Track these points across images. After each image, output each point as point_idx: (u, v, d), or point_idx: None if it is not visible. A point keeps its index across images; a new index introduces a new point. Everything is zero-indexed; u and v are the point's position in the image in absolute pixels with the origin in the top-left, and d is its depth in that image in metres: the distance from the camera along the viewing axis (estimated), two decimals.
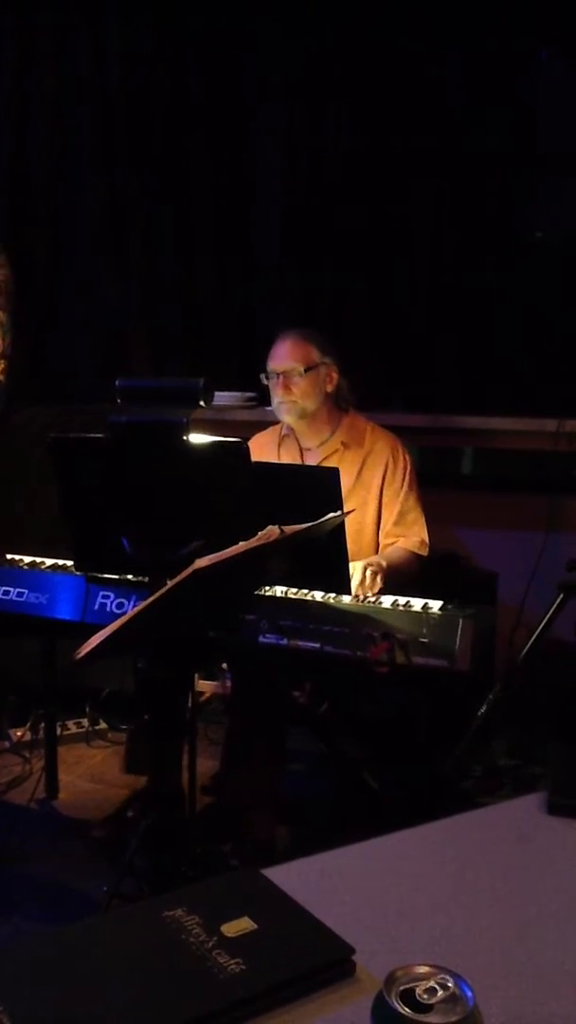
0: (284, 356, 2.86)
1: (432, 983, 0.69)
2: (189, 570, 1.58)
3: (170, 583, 1.65)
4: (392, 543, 2.86)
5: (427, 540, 2.86)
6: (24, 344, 3.53)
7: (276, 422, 3.22)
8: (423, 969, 0.71)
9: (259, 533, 1.71)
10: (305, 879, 1.10)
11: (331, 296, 4.07)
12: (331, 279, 4.08)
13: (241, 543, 1.71)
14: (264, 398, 3.85)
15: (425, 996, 0.68)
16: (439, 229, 3.91)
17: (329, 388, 2.89)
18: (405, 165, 3.89)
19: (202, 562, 1.60)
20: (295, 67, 3.99)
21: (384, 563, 2.59)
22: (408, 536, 2.85)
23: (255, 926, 0.95)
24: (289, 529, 1.72)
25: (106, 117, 4.06)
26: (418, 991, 0.69)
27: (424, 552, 2.85)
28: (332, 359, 2.90)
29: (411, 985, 0.69)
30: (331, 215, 4.02)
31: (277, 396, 2.88)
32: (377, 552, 2.84)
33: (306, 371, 2.83)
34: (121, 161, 4.08)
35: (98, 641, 1.63)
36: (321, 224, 4.05)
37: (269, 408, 3.78)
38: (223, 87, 4.07)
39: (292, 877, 1.10)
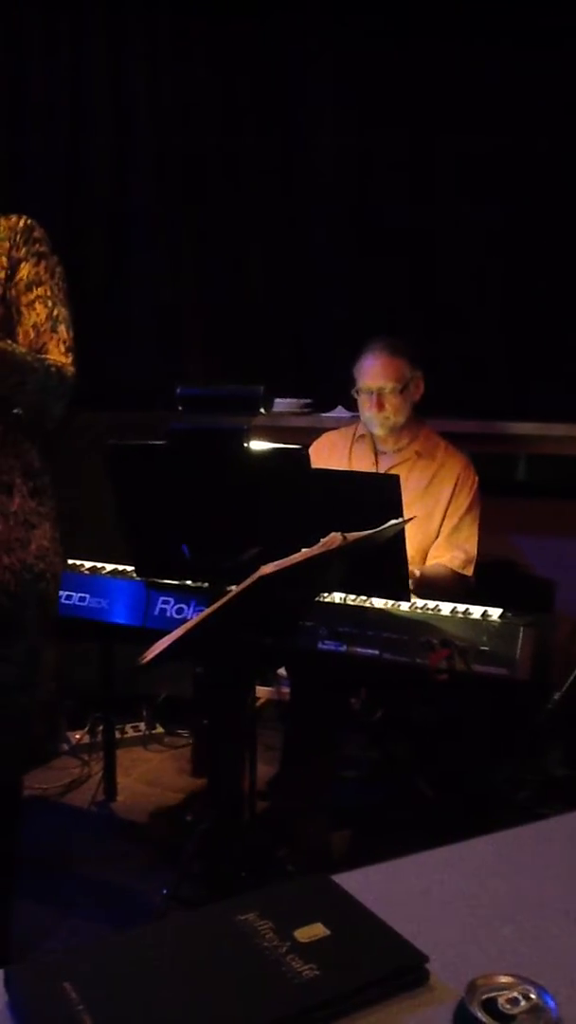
0: (379, 374, 2.85)
1: (515, 993, 0.69)
2: (255, 576, 1.60)
3: (236, 589, 1.66)
4: (437, 557, 2.85)
5: (474, 559, 2.85)
6: (77, 348, 3.61)
7: (331, 428, 3.23)
8: (504, 979, 0.71)
9: (322, 540, 1.72)
10: (374, 886, 1.10)
11: (382, 300, 4.07)
12: (382, 283, 4.07)
13: (304, 550, 1.71)
14: (320, 405, 3.87)
15: (508, 1006, 0.68)
16: (490, 233, 3.89)
17: (416, 398, 2.91)
18: (454, 165, 3.87)
19: (267, 568, 1.61)
20: (344, 67, 3.99)
21: (417, 572, 2.60)
22: (456, 554, 2.84)
23: (328, 932, 0.96)
24: (352, 536, 1.73)
25: (158, 121, 4.10)
26: (500, 1001, 0.69)
27: (467, 572, 2.83)
28: (419, 368, 2.90)
29: (493, 995, 0.69)
30: (382, 216, 4.02)
31: (369, 411, 2.87)
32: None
33: (402, 390, 2.84)
34: (173, 165, 4.12)
35: (164, 646, 1.65)
36: (372, 226, 4.05)
37: (325, 414, 3.80)
38: (273, 88, 4.10)
39: (362, 884, 1.10)
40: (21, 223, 1.94)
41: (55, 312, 1.93)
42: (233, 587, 2.34)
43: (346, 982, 0.89)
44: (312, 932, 0.96)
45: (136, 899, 2.61)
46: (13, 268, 1.90)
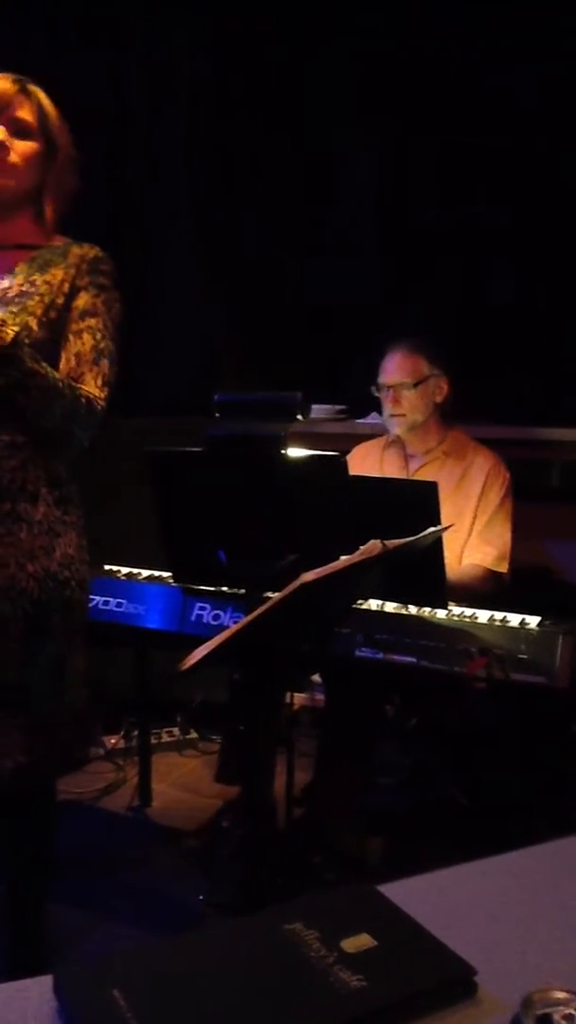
0: (394, 370, 2.87)
1: (571, 1009, 0.68)
2: (296, 584, 1.60)
3: (277, 596, 1.66)
4: (469, 555, 2.84)
5: (507, 554, 2.83)
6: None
7: (367, 435, 3.23)
8: (560, 994, 0.70)
9: (362, 547, 1.72)
10: (420, 896, 1.10)
11: (416, 305, 4.06)
12: (417, 288, 4.06)
13: (345, 557, 1.71)
14: (354, 411, 3.87)
15: (563, 1023, 0.67)
16: (526, 237, 3.87)
17: (439, 399, 2.90)
18: (489, 170, 3.86)
19: (308, 576, 1.61)
20: (381, 70, 3.99)
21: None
22: (488, 550, 2.82)
23: (375, 943, 0.95)
24: (391, 543, 1.73)
25: (194, 126, 4.13)
26: (556, 1017, 0.68)
27: (502, 568, 2.81)
28: (442, 370, 2.90)
29: (548, 1010, 0.69)
30: (419, 221, 4.02)
31: (387, 410, 2.89)
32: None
33: (415, 385, 2.83)
34: (209, 169, 4.15)
35: (204, 653, 1.65)
36: (407, 230, 4.05)
37: (360, 420, 3.81)
38: (310, 93, 4.11)
39: (407, 894, 1.10)
40: (91, 253, 1.98)
41: (101, 345, 1.94)
42: (270, 594, 2.36)
43: (394, 993, 0.88)
44: (359, 942, 0.95)
45: (171, 904, 2.61)
46: (72, 295, 1.92)
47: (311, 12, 4.02)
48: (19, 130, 1.94)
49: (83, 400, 1.89)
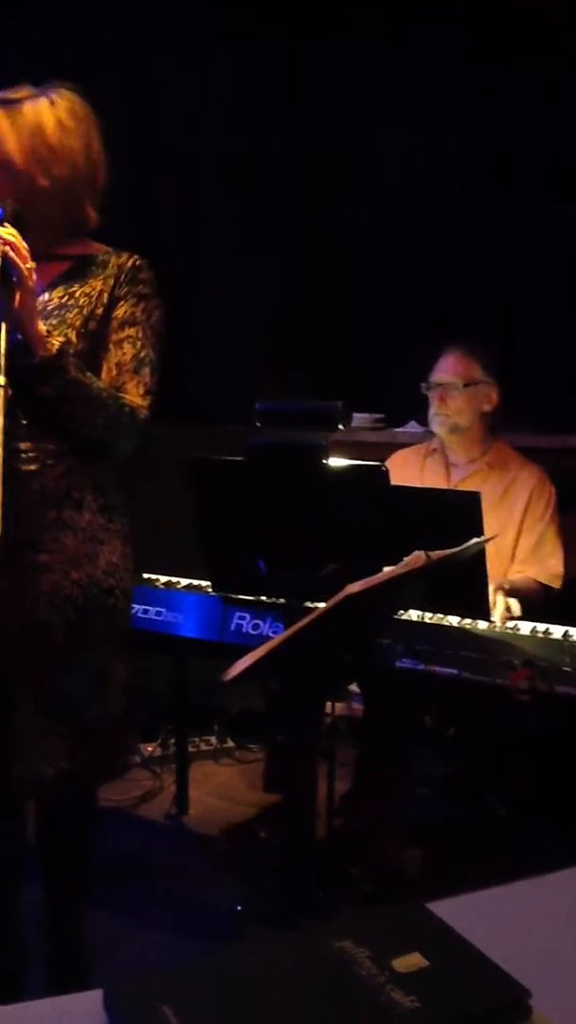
0: (446, 369, 2.85)
1: None
2: (341, 595, 1.59)
3: (322, 607, 1.65)
4: (522, 571, 2.81)
5: (561, 573, 2.80)
6: None
7: (405, 444, 3.21)
8: None
9: (406, 559, 1.71)
10: (470, 914, 1.08)
11: (456, 312, 4.04)
12: (454, 298, 4.04)
13: (389, 568, 1.70)
14: (393, 419, 3.86)
15: None
16: (566, 242, 3.85)
17: (487, 408, 2.87)
18: (538, 169, 3.84)
19: (354, 587, 1.60)
20: (413, 80, 3.99)
21: (507, 585, 2.57)
22: (542, 568, 2.80)
23: (427, 963, 0.94)
24: (436, 554, 1.71)
25: (233, 133, 4.14)
26: None
27: (556, 585, 2.79)
28: (494, 379, 2.88)
29: None
30: (452, 230, 4.00)
31: (433, 407, 2.87)
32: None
33: (465, 387, 2.82)
34: (248, 177, 4.15)
35: (248, 663, 1.65)
36: (446, 236, 4.03)
37: (399, 429, 3.79)
38: (342, 107, 4.11)
39: (457, 912, 1.08)
40: (130, 263, 1.96)
41: (142, 354, 1.93)
42: (309, 603, 2.35)
43: (449, 1015, 0.87)
44: (411, 962, 0.94)
45: (209, 913, 2.60)
46: (111, 305, 1.91)
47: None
48: None
49: (126, 410, 1.89)
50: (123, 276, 1.94)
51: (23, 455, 1.84)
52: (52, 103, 1.89)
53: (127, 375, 1.91)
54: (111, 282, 1.93)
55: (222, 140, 4.15)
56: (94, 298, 1.91)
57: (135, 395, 1.92)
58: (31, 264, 1.79)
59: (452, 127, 3.96)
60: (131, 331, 1.92)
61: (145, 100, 4.09)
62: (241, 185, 4.16)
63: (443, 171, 4.00)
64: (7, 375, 1.64)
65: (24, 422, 1.83)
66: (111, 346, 1.91)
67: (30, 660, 1.87)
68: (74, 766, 1.91)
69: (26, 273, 1.73)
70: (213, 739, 3.67)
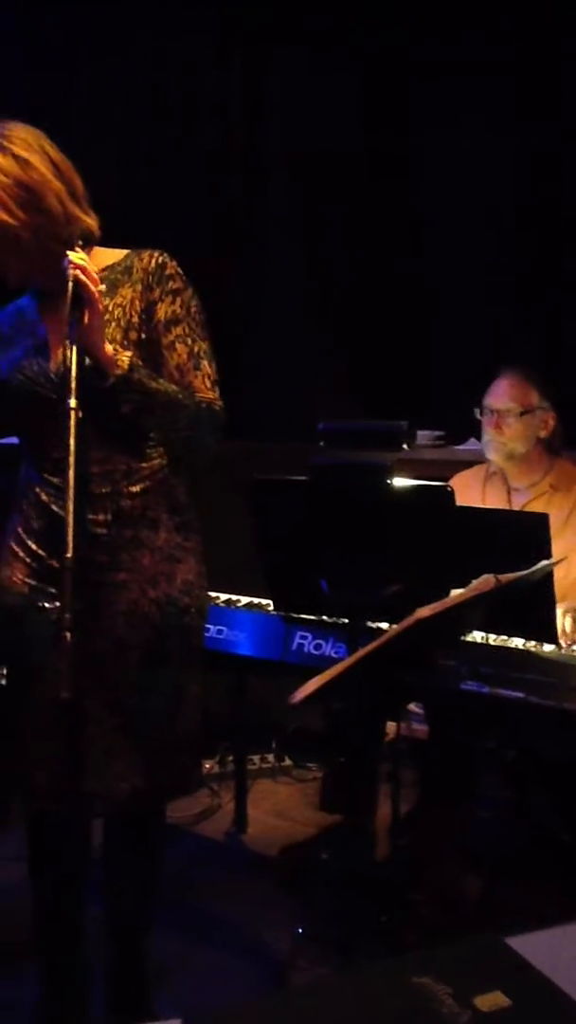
0: (502, 394, 2.81)
1: None
2: (411, 619, 1.57)
3: (392, 631, 1.64)
4: None
5: None
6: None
7: (466, 462, 3.18)
8: None
9: (474, 582, 1.69)
10: (549, 950, 1.06)
11: (516, 328, 4.01)
12: (514, 313, 4.01)
13: (457, 591, 1.68)
14: (453, 437, 3.83)
15: None
16: None
17: (543, 433, 2.82)
18: None
19: (424, 611, 1.59)
20: (468, 89, 3.97)
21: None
22: None
23: (509, 1002, 0.92)
24: (505, 578, 1.69)
25: (298, 147, 4.15)
26: None
27: None
28: (551, 404, 2.83)
29: None
30: (511, 244, 3.97)
31: (488, 434, 2.83)
32: None
33: (521, 414, 2.77)
34: (311, 193, 4.17)
35: (316, 686, 1.64)
36: (507, 252, 4.00)
37: (458, 447, 3.76)
38: (396, 116, 4.11)
39: (535, 947, 1.06)
40: (153, 263, 1.93)
41: (196, 348, 1.93)
42: (372, 624, 2.34)
43: None
44: (493, 1001, 0.92)
45: (268, 935, 2.59)
46: (150, 311, 1.90)
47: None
48: None
49: (203, 405, 1.92)
50: (151, 278, 1.92)
51: (96, 478, 1.86)
52: (1, 147, 1.82)
53: (189, 374, 1.92)
54: (140, 287, 1.91)
55: (289, 151, 4.16)
56: (128, 308, 1.89)
57: (204, 389, 1.93)
58: (101, 287, 1.81)
59: (522, 136, 3.93)
60: (178, 330, 1.92)
61: (211, 113, 4.13)
62: (307, 198, 4.17)
63: (511, 182, 3.97)
64: (78, 398, 1.67)
65: (98, 444, 1.85)
66: (164, 351, 1.91)
67: (107, 678, 1.88)
68: (148, 783, 1.92)
69: (96, 296, 1.75)
70: (271, 757, 3.66)
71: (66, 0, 3.97)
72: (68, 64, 4.01)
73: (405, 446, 2.30)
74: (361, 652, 1.68)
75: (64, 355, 1.78)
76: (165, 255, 1.95)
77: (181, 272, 1.96)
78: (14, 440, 2.05)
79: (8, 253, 1.85)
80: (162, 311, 1.91)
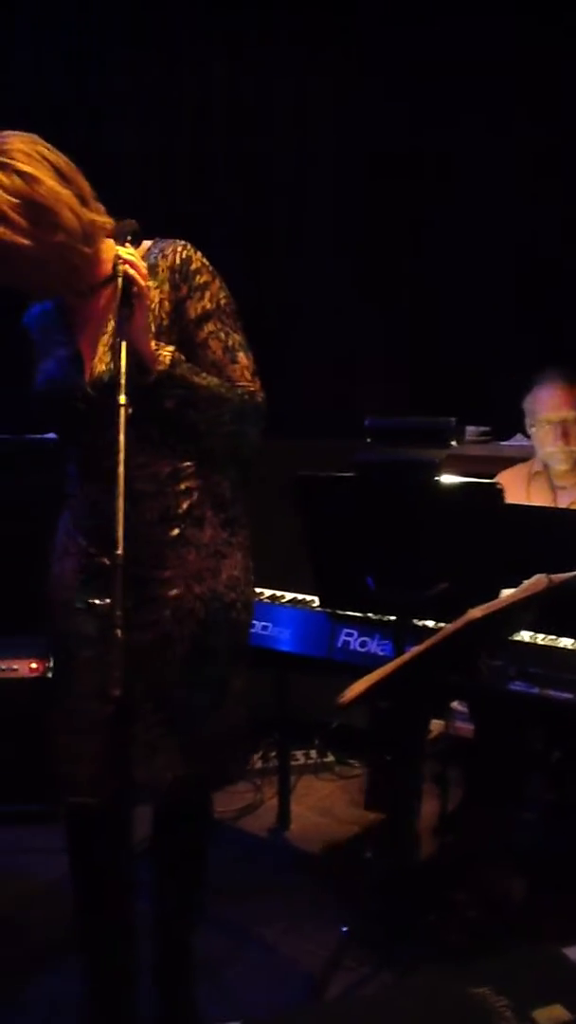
0: (560, 404, 2.76)
1: None
2: (463, 620, 1.55)
3: (443, 631, 1.62)
4: None
5: None
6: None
7: (511, 458, 3.14)
8: None
9: (526, 582, 1.66)
10: None
11: (559, 324, 3.95)
12: (562, 306, 3.96)
13: (509, 591, 1.66)
14: (498, 432, 3.79)
15: None
16: None
17: None
18: None
19: (476, 612, 1.57)
20: (518, 95, 3.92)
21: None
22: None
23: (570, 1016, 0.90)
24: (557, 578, 1.67)
25: (337, 147, 4.13)
26: None
27: None
28: None
29: None
30: (561, 241, 3.92)
31: (552, 445, 2.78)
32: None
33: None
34: (353, 190, 4.15)
35: (366, 687, 1.62)
36: (548, 251, 3.95)
37: (503, 443, 3.71)
38: (447, 116, 4.07)
39: None
40: (178, 259, 1.88)
41: (229, 342, 1.91)
42: (418, 621, 2.32)
43: None
44: (552, 1014, 0.90)
45: (313, 934, 2.58)
46: (180, 309, 1.87)
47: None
48: None
49: (246, 396, 1.90)
50: (177, 276, 1.88)
51: (142, 477, 1.85)
52: (1, 165, 1.72)
53: (227, 368, 1.90)
54: (167, 287, 1.87)
55: (325, 148, 4.14)
56: (157, 309, 1.86)
57: (244, 381, 1.91)
58: (150, 283, 1.79)
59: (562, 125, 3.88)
60: (209, 326, 1.89)
61: (251, 111, 4.12)
62: (351, 189, 4.14)
63: (553, 171, 3.92)
64: (127, 394, 1.65)
65: (142, 444, 1.84)
66: (198, 350, 1.88)
67: (152, 672, 1.88)
68: (192, 773, 1.93)
69: (144, 292, 1.74)
70: (313, 753, 3.65)
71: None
72: (110, 63, 4.03)
73: (453, 443, 2.27)
74: (411, 653, 1.66)
75: (97, 365, 1.82)
76: (188, 247, 1.90)
77: (207, 262, 1.92)
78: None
79: (31, 274, 1.79)
80: (192, 308, 1.88)
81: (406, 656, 1.70)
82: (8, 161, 1.71)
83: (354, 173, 4.16)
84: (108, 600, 1.52)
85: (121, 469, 1.59)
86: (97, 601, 1.80)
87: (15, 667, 3.19)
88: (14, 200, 1.70)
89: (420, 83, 4.09)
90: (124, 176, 4.01)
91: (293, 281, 4.20)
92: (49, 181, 1.74)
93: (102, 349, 1.87)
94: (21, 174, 1.71)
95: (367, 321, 4.21)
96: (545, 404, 2.78)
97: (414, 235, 4.18)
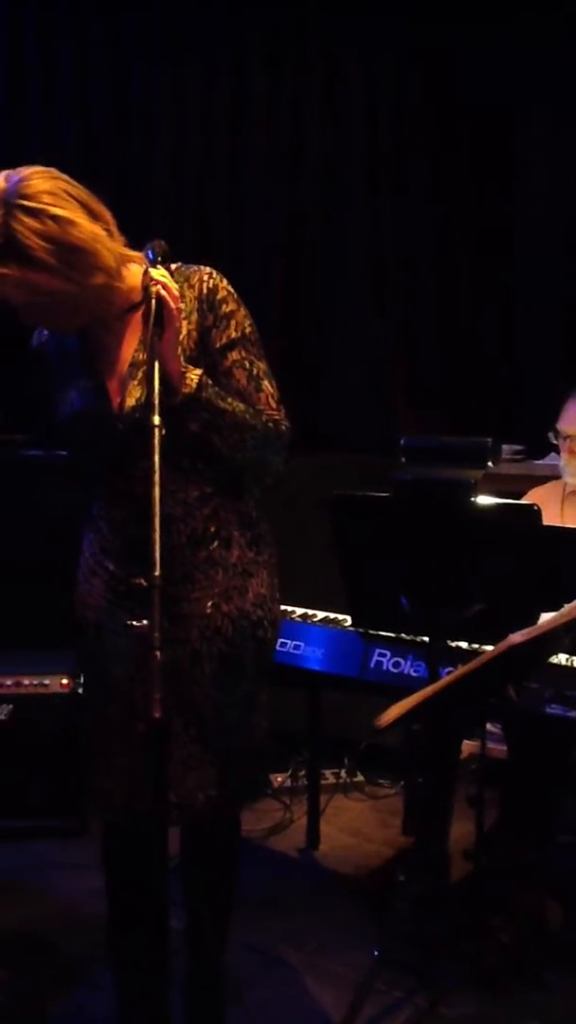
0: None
1: None
2: (504, 645, 1.54)
3: (484, 656, 1.61)
4: None
5: None
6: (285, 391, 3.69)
7: (544, 478, 3.11)
8: None
9: (567, 606, 1.64)
10: None
11: None
12: None
13: (549, 615, 1.64)
14: (532, 451, 3.76)
15: None
16: None
17: None
18: None
19: (516, 637, 1.55)
20: (562, 92, 3.90)
21: None
22: None
23: None
24: None
25: (373, 163, 4.14)
26: None
27: None
28: None
29: None
30: None
31: (564, 458, 2.76)
32: None
33: None
34: (386, 207, 4.15)
35: (403, 710, 1.61)
36: None
37: (538, 461, 3.69)
38: (487, 116, 4.07)
39: None
40: (204, 288, 1.87)
41: (254, 371, 1.90)
42: (452, 643, 2.30)
43: None
44: None
45: (343, 955, 2.55)
46: (205, 338, 1.86)
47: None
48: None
49: (270, 425, 1.89)
50: (204, 305, 1.86)
51: (170, 501, 1.84)
52: (32, 212, 1.65)
53: (252, 397, 1.89)
54: (195, 317, 1.85)
55: (360, 156, 4.14)
56: (185, 340, 1.84)
57: (269, 410, 1.90)
58: (181, 305, 1.79)
59: None
60: (234, 355, 1.88)
61: (287, 118, 4.12)
62: (385, 203, 4.15)
63: None
64: (160, 415, 1.64)
65: (169, 469, 1.83)
66: (222, 378, 1.87)
67: (182, 691, 1.89)
68: (223, 791, 1.94)
69: (176, 313, 1.73)
70: (342, 772, 3.63)
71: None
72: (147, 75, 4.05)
73: (490, 463, 2.26)
74: (450, 677, 1.64)
75: (127, 399, 1.82)
76: (214, 275, 1.89)
77: (232, 290, 1.90)
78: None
79: (68, 315, 1.78)
80: (217, 337, 1.87)
81: (445, 680, 1.68)
82: (39, 206, 1.64)
83: (391, 182, 4.15)
84: (145, 622, 1.52)
85: (156, 491, 1.58)
86: (135, 623, 1.81)
87: (46, 683, 3.19)
88: (50, 246, 1.65)
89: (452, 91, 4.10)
90: (157, 186, 4.03)
91: (327, 294, 4.19)
92: (83, 221, 1.70)
93: (133, 383, 1.85)
94: (55, 218, 1.65)
95: (400, 336, 4.20)
96: (565, 418, 2.76)
97: (456, 248, 4.16)
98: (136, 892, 2.03)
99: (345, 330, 4.16)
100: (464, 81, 4.07)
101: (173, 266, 1.87)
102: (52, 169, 1.72)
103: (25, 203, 1.63)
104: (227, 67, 4.04)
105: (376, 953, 2.31)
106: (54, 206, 1.65)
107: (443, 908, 2.40)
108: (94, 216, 1.73)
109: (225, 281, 1.90)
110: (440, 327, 4.17)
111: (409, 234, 4.15)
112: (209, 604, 1.90)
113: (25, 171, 1.69)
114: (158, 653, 1.48)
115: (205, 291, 1.87)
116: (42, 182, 1.67)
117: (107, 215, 1.77)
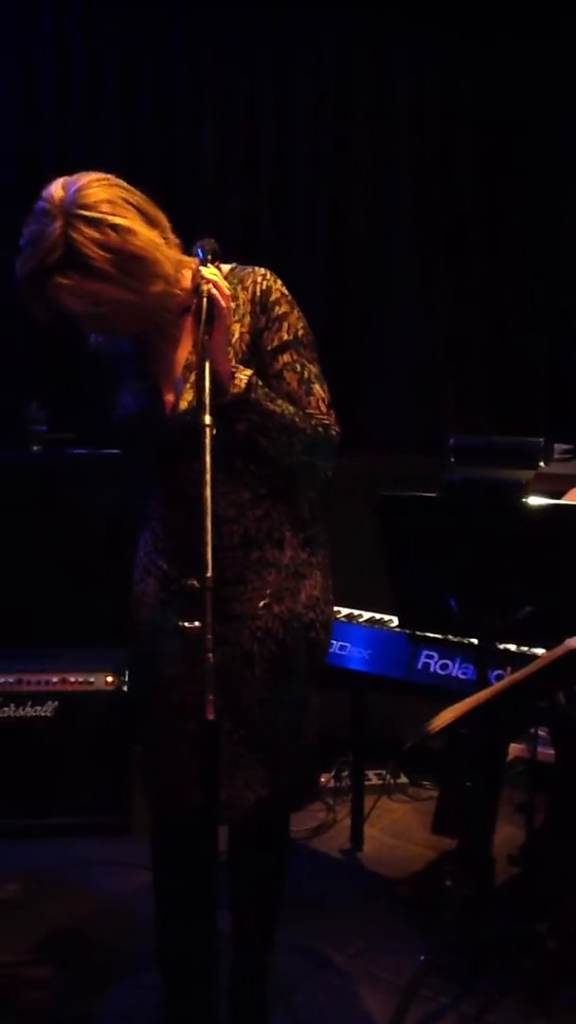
0: None
1: None
2: (561, 649, 1.51)
3: (540, 661, 1.58)
4: None
5: None
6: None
7: None
8: None
9: None
10: None
11: None
12: None
13: None
14: None
15: None
16: None
17: None
18: None
19: (574, 642, 1.52)
20: None
21: None
22: None
23: None
24: None
25: (420, 167, 4.11)
26: None
27: None
28: None
29: None
30: None
31: None
32: None
33: None
34: (434, 212, 4.12)
35: (456, 715, 1.59)
36: None
37: None
38: (536, 115, 4.02)
39: None
40: (258, 291, 1.85)
41: (305, 373, 1.88)
42: (501, 645, 2.27)
43: None
44: None
45: (388, 959, 2.53)
46: (257, 340, 1.85)
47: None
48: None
49: (320, 429, 1.87)
50: (257, 308, 1.84)
51: (222, 503, 1.83)
52: (92, 222, 1.63)
53: (302, 400, 1.86)
54: (248, 320, 1.84)
55: (407, 155, 4.12)
56: (237, 343, 1.83)
57: (319, 413, 1.88)
58: (233, 304, 1.78)
59: None
60: (285, 357, 1.86)
61: (334, 119, 4.11)
62: (435, 203, 4.13)
63: None
64: (211, 415, 1.63)
65: (220, 471, 1.82)
66: (273, 380, 1.85)
67: (233, 691, 1.88)
68: (273, 793, 1.93)
69: (226, 311, 1.72)
70: (385, 773, 3.60)
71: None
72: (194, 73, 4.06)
73: (541, 463, 2.23)
74: (505, 682, 1.62)
75: (180, 403, 1.82)
76: (268, 277, 1.87)
77: (286, 292, 1.88)
78: None
79: (128, 323, 1.77)
80: (269, 339, 1.85)
81: (500, 684, 1.66)
82: (98, 216, 1.62)
83: (435, 185, 4.12)
84: (197, 623, 1.51)
85: (208, 491, 1.57)
86: (187, 624, 1.80)
87: (91, 680, 3.21)
88: (110, 256, 1.63)
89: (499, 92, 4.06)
90: (202, 187, 4.03)
91: (374, 294, 4.17)
92: (141, 230, 1.67)
93: (186, 386, 1.84)
94: (114, 227, 1.63)
95: (448, 336, 4.17)
96: None
97: (495, 250, 4.13)
98: (185, 891, 2.04)
99: (392, 330, 4.14)
100: (509, 80, 4.03)
101: (227, 267, 1.86)
102: (109, 176, 1.70)
103: (85, 213, 1.61)
104: (271, 66, 4.04)
105: (422, 958, 2.29)
106: (113, 215, 1.63)
107: (490, 914, 2.37)
108: (151, 223, 1.71)
109: (279, 282, 1.87)
110: (487, 326, 4.13)
111: (456, 234, 4.11)
112: (260, 605, 1.89)
113: (83, 179, 1.66)
114: (210, 655, 1.47)
115: (258, 292, 1.85)
116: (101, 191, 1.64)
117: (163, 220, 1.75)
